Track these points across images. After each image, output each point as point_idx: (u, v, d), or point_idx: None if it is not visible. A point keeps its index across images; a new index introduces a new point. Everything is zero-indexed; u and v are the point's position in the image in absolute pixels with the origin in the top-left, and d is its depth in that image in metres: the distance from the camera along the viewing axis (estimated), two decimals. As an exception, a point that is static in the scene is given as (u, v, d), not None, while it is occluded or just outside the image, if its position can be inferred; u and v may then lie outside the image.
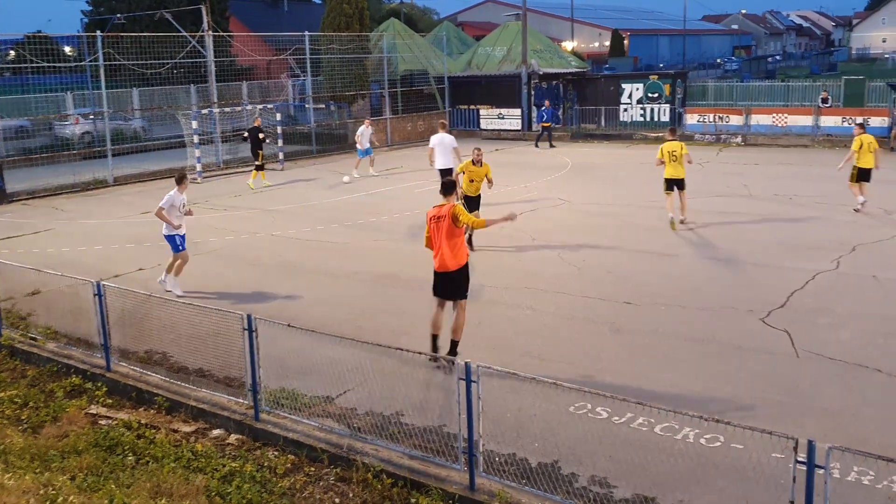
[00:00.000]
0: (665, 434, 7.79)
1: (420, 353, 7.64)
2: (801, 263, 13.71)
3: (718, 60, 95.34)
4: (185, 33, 29.21)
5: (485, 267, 14.36)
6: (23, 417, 9.21)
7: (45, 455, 8.12)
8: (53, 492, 7.21)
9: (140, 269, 14.90)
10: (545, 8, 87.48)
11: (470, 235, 15.16)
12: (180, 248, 13.17)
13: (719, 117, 32.54)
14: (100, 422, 9.04)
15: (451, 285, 9.75)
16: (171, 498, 7.12)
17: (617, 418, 8.17)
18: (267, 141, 25.03)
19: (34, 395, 9.83)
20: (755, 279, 13.08)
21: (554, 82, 38.11)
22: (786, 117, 31.43)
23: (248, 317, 8.36)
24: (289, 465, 7.83)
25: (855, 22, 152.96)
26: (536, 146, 32.57)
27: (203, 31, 29.16)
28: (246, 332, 8.39)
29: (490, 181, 15.67)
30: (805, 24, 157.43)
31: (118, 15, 38.76)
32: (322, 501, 7.24)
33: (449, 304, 9.89)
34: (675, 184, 16.96)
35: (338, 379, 9.03)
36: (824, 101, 32.58)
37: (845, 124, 28.98)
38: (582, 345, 10.46)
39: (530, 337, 10.77)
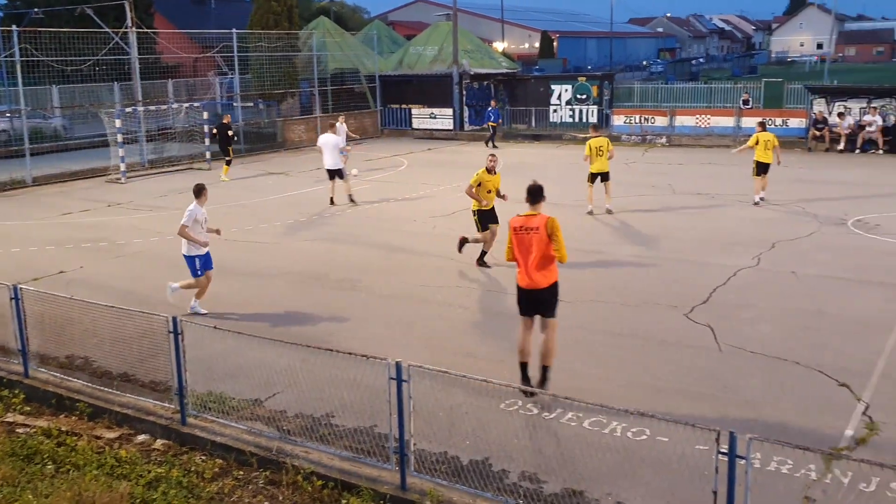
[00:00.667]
0: (593, 429, 7.92)
1: (350, 354, 7.58)
2: (723, 260, 14.10)
3: (644, 63, 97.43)
4: (107, 29, 28.39)
5: (417, 266, 14.37)
6: (-66, 428, 8.83)
7: (-43, 466, 7.80)
8: (-33, 504, 6.94)
9: (61, 272, 14.43)
10: (475, 8, 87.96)
11: (484, 252, 14.13)
12: (199, 272, 11.67)
13: (645, 118, 33.23)
14: (17, 430, 8.72)
15: (538, 304, 8.86)
16: (93, 506, 6.92)
17: (547, 414, 8.26)
18: (235, 138, 25.86)
19: (-55, 404, 9.44)
20: (679, 275, 13.39)
21: (485, 82, 38.35)
22: (709, 118, 32.30)
23: (174, 319, 8.18)
24: (217, 469, 7.69)
25: (774, 26, 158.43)
26: (488, 145, 32.43)
27: (126, 28, 28.41)
28: (171, 335, 8.20)
29: (502, 194, 14.12)
30: (727, 28, 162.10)
31: (35, 10, 37.38)
32: (251, 505, 7.14)
33: (532, 322, 8.94)
34: (601, 176, 18.19)
35: (267, 381, 8.93)
36: (745, 102, 33.58)
37: (769, 132, 29.85)
38: (512, 342, 10.52)
39: (463, 335, 10.82)
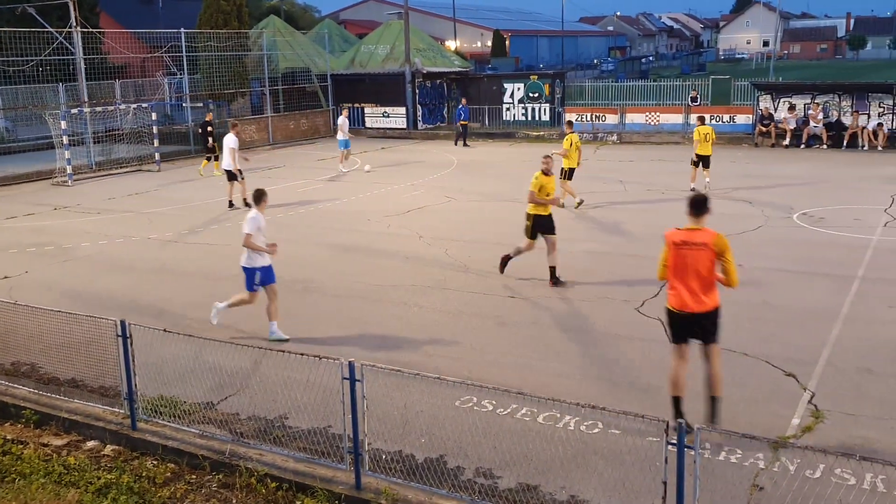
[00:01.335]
0: (547, 423, 7.98)
1: (302, 355, 7.53)
2: (674, 254, 14.28)
3: (595, 61, 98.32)
4: (50, 29, 27.79)
5: (371, 266, 14.32)
6: None
7: None
8: None
9: (5, 277, 14.09)
10: (427, 7, 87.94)
11: (509, 257, 13.22)
12: (256, 287, 10.70)
13: (596, 116, 33.57)
14: (-39, 440, 8.49)
15: (698, 330, 7.85)
16: (40, 516, 6.78)
17: (501, 410, 8.31)
18: (212, 133, 25.96)
19: None
20: (630, 270, 13.56)
21: (438, 81, 38.39)
22: (658, 116, 32.76)
23: (122, 322, 8.05)
24: (169, 473, 7.58)
25: (722, 24, 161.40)
26: (465, 145, 32.25)
27: (71, 28, 27.83)
28: (120, 339, 8.07)
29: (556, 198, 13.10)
30: (676, 26, 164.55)
31: (-25, 9, 36.44)
32: (204, 509, 7.05)
33: (688, 350, 7.98)
34: (572, 173, 18.85)
35: (219, 384, 8.83)
36: (693, 99, 34.19)
37: (713, 122, 30.39)
38: (468, 339, 10.58)
39: (417, 334, 10.82)
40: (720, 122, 30.39)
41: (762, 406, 8.34)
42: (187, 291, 13.06)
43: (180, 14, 52.20)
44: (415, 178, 24.06)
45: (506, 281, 13.04)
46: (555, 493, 6.76)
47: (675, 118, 32.32)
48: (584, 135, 33.04)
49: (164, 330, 8.34)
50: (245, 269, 10.75)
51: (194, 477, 7.52)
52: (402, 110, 37.12)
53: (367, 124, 37.99)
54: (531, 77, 37.01)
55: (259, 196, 11.08)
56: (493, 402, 8.42)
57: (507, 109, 36.19)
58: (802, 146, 28.63)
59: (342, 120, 25.99)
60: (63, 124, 24.82)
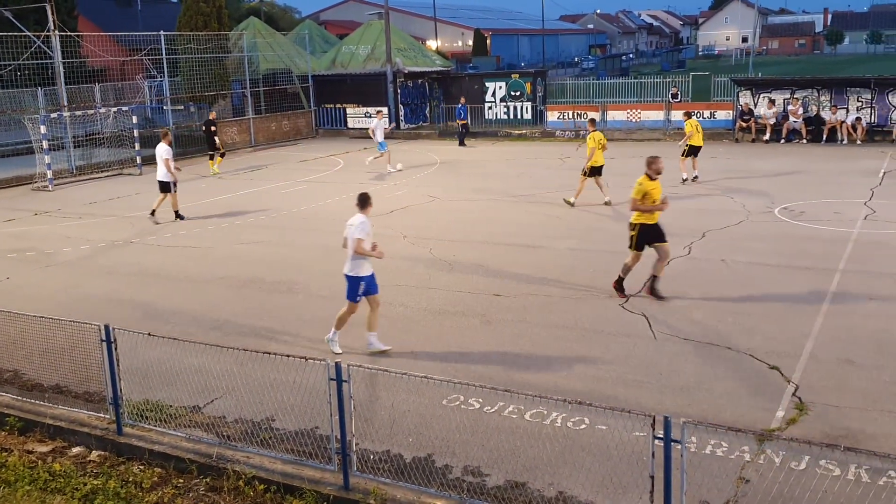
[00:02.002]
0: (534, 420, 8.01)
1: (288, 356, 7.51)
2: (657, 250, 14.37)
3: (576, 59, 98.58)
4: (28, 33, 27.54)
5: (355, 266, 14.29)
6: None
7: None
8: None
9: (-14, 284, 13.97)
10: (408, 7, 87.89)
11: (622, 279, 11.98)
12: (359, 297, 10.05)
13: (578, 114, 33.64)
14: (-56, 448, 8.42)
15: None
16: (26, 523, 6.73)
17: (489, 408, 8.33)
18: (216, 132, 26.89)
19: None
20: (614, 267, 13.57)
21: (419, 81, 38.37)
22: (639, 113, 32.89)
23: (106, 327, 8.00)
24: (156, 478, 7.55)
25: (701, 21, 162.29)
26: (462, 144, 31.97)
27: (48, 31, 27.59)
28: (104, 344, 8.02)
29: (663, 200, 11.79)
30: (655, 24, 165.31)
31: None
32: (192, 513, 7.03)
33: None
34: (600, 170, 18.79)
35: (205, 387, 8.80)
36: (674, 96, 34.32)
37: (694, 118, 30.51)
38: (454, 338, 10.59)
39: (403, 333, 10.81)
40: (701, 119, 30.47)
41: (747, 399, 8.40)
42: (171, 295, 13.00)
43: (159, 16, 51.93)
44: (398, 178, 24.03)
45: (490, 280, 13.06)
46: (543, 489, 6.78)
47: (656, 115, 32.47)
48: (567, 133, 33.21)
49: (149, 334, 8.29)
50: (350, 278, 10.00)
51: (181, 481, 7.49)
52: (384, 110, 37.01)
53: (349, 125, 37.90)
54: (513, 76, 37.06)
55: (365, 199, 10.41)
56: (480, 401, 8.44)
57: (489, 108, 36.23)
58: (782, 141, 28.84)
59: (376, 122, 25.56)
60: (42, 129, 24.62)
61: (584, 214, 17.96)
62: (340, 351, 10.03)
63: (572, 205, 18.58)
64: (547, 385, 8.81)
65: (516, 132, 34.18)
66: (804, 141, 28.61)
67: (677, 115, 31.60)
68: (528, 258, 14.32)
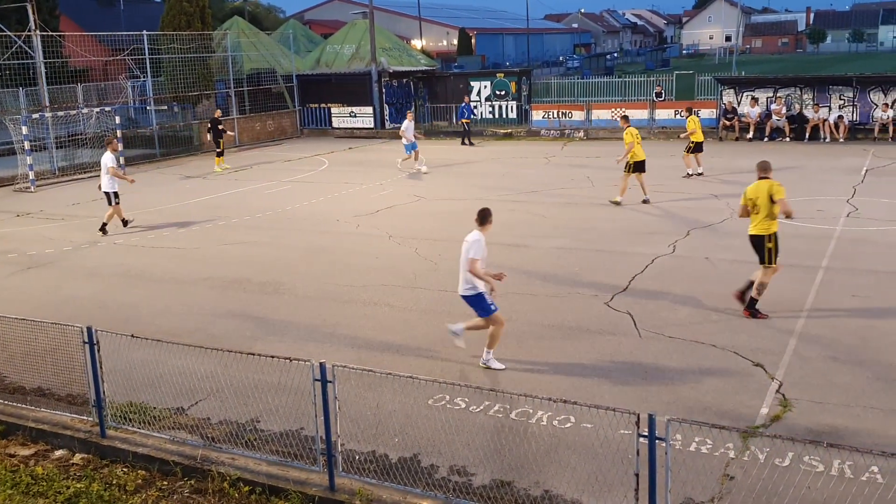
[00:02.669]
0: (520, 419, 8.01)
1: (273, 357, 7.48)
2: (641, 249, 14.44)
3: (561, 58, 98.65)
4: (9, 33, 27.31)
5: (342, 266, 14.27)
6: None
7: None
8: None
9: (-33, 286, 13.84)
10: (392, 6, 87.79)
11: (755, 301, 10.75)
12: (493, 306, 9.32)
13: (563, 113, 33.70)
14: (-76, 453, 8.33)
15: None
16: (9, 527, 6.67)
17: (474, 407, 8.32)
18: (225, 131, 27.50)
19: None
20: (599, 265, 13.65)
21: (404, 80, 38.32)
22: (624, 111, 32.92)
23: (89, 329, 7.93)
24: (139, 481, 7.50)
25: (685, 20, 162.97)
26: (464, 143, 31.83)
27: (30, 31, 27.37)
28: (87, 346, 7.96)
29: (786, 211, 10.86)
30: (639, 23, 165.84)
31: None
32: (177, 516, 6.99)
33: None
34: (643, 165, 18.67)
35: (190, 389, 8.74)
36: (658, 95, 34.45)
37: (678, 117, 30.67)
38: (440, 338, 10.56)
39: (388, 333, 10.79)
40: (685, 118, 30.63)
41: (731, 396, 8.44)
42: (155, 296, 12.92)
43: (142, 16, 51.64)
44: (383, 178, 24.00)
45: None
46: (529, 488, 6.78)
47: (641, 113, 32.53)
48: (552, 132, 33.25)
49: (132, 335, 8.24)
50: (469, 298, 9.30)
51: (166, 483, 7.45)
52: (370, 110, 36.99)
53: (334, 124, 37.82)
54: (498, 75, 37.07)
55: (485, 215, 9.36)
56: (466, 400, 8.43)
57: (475, 107, 36.20)
58: (766, 139, 29.00)
59: (406, 124, 25.14)
60: (24, 129, 24.42)
61: (568, 213, 17.98)
62: (503, 367, 9.33)
63: (619, 204, 18.34)
64: (532, 384, 8.82)
65: (501, 131, 34.21)
66: (787, 139, 28.77)
67: (661, 114, 31.77)
68: (514, 257, 14.32)
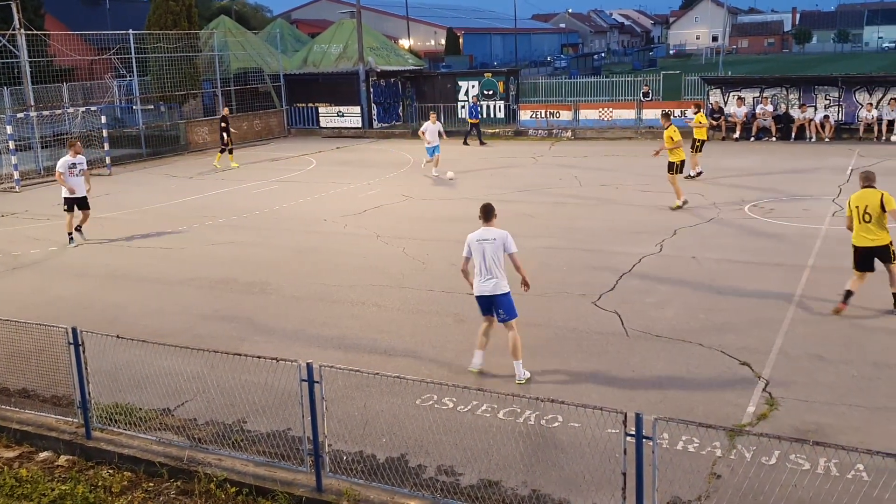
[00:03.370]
0: (508, 418, 8.00)
1: (260, 357, 7.44)
2: (628, 248, 14.47)
3: (548, 58, 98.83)
4: (-7, 32, 27.12)
5: (329, 266, 14.23)
6: None
7: None
8: None
9: (-49, 287, 13.72)
10: (380, 6, 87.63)
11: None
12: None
13: (550, 113, 33.76)
14: None
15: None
16: (-8, 530, 6.61)
17: (462, 407, 8.31)
18: (229, 130, 27.48)
19: None
20: (587, 264, 13.67)
21: (392, 80, 38.28)
22: (611, 111, 33.04)
23: (74, 330, 7.88)
24: (125, 482, 7.45)
25: (671, 20, 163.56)
26: (465, 143, 31.62)
27: (14, 30, 27.17)
28: (72, 347, 7.90)
29: None
30: (627, 23, 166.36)
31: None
32: (163, 517, 6.95)
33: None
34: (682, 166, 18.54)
35: (176, 390, 8.70)
36: (645, 95, 34.54)
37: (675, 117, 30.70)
38: (428, 337, 10.57)
39: (376, 333, 10.77)
40: (672, 117, 30.72)
41: (718, 395, 8.46)
42: (141, 297, 12.85)
43: (128, 15, 51.30)
44: (371, 178, 23.97)
45: (464, 280, 13.02)
46: (517, 488, 6.78)
47: (628, 113, 32.64)
48: (539, 131, 33.29)
49: (118, 336, 8.18)
50: (502, 296, 9.06)
51: (152, 485, 7.40)
52: (357, 109, 36.92)
53: (322, 124, 37.74)
54: (485, 74, 37.09)
55: (489, 211, 9.44)
56: (454, 400, 8.42)
57: (462, 107, 36.22)
58: (752, 139, 29.12)
59: (427, 125, 24.16)
60: (9, 129, 24.23)
61: (556, 213, 17.99)
62: (528, 374, 9.00)
63: (681, 207, 17.72)
64: (522, 383, 8.82)
65: (489, 131, 34.19)
66: (773, 139, 28.91)
67: (648, 114, 31.84)
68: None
